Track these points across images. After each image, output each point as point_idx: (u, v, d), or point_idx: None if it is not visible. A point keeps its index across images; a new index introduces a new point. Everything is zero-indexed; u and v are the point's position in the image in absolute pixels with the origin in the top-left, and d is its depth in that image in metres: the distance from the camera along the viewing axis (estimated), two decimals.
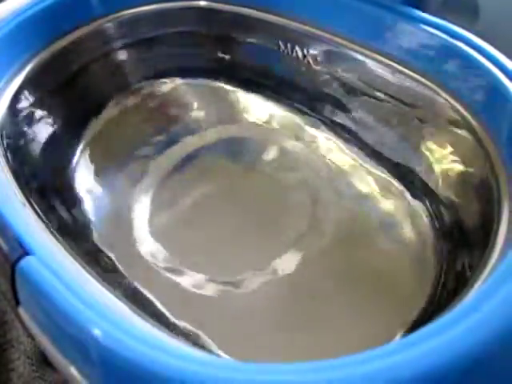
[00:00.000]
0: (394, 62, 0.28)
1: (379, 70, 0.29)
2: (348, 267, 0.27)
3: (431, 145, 0.28)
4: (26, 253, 0.19)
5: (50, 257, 0.20)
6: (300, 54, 0.32)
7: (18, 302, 0.20)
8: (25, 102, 0.29)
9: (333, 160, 0.32)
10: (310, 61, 0.32)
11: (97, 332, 0.16)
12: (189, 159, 0.33)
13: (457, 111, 0.25)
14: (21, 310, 0.20)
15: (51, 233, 0.23)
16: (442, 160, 0.28)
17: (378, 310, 0.25)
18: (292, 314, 0.26)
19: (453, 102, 0.26)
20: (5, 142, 0.27)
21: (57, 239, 0.23)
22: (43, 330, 0.19)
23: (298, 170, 0.32)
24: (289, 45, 0.33)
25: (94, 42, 0.33)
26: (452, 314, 0.16)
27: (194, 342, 0.24)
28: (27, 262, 0.19)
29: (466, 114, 0.25)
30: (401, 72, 0.28)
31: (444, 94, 0.26)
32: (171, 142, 0.34)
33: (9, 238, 0.20)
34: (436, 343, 0.15)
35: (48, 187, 0.28)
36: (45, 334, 0.19)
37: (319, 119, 0.34)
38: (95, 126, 0.33)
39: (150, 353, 0.16)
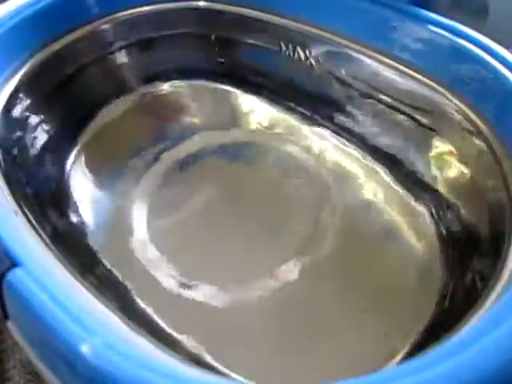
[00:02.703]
0: (401, 64, 0.27)
1: (385, 72, 0.28)
2: (351, 276, 0.27)
3: (439, 151, 0.27)
4: (14, 264, 0.18)
5: (39, 269, 0.19)
6: (302, 55, 0.32)
7: (6, 316, 0.19)
8: (19, 106, 0.28)
9: (336, 164, 0.31)
10: (313, 62, 0.32)
11: (85, 350, 0.16)
12: (188, 163, 0.32)
13: (467, 116, 0.25)
14: (9, 324, 0.19)
15: (44, 242, 0.22)
16: (450, 167, 0.27)
17: (380, 324, 0.24)
18: (293, 326, 0.25)
19: (462, 106, 0.25)
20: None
21: (49, 249, 0.22)
22: (31, 345, 0.18)
23: (300, 174, 0.31)
24: (290, 46, 0.32)
25: (91, 43, 0.32)
26: (461, 336, 0.15)
27: (195, 358, 0.23)
28: (15, 275, 0.18)
29: (476, 119, 0.24)
30: (408, 75, 0.27)
31: (453, 98, 0.25)
32: (170, 145, 0.33)
33: None
34: (442, 370, 0.14)
35: (42, 193, 0.28)
36: (33, 349, 0.18)
37: (322, 122, 0.33)
38: (92, 129, 0.32)
39: (142, 374, 0.15)
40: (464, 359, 0.14)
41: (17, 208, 0.23)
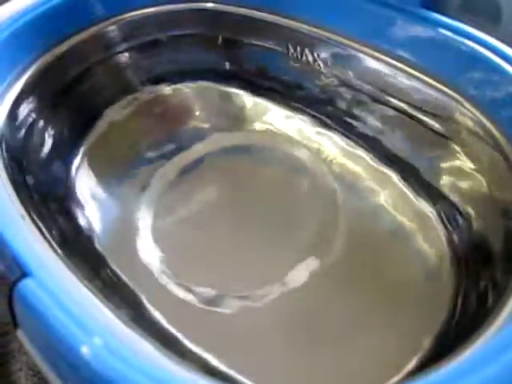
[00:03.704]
0: (411, 67, 0.27)
1: (394, 75, 0.28)
2: (360, 281, 0.26)
3: (451, 156, 0.27)
4: (25, 274, 0.18)
5: (49, 278, 0.19)
6: (310, 57, 0.31)
7: (16, 325, 0.19)
8: (25, 109, 0.28)
9: (344, 167, 0.31)
10: (321, 65, 0.31)
11: (97, 362, 0.16)
12: (195, 165, 0.32)
13: (479, 122, 0.24)
14: (19, 333, 0.19)
15: (51, 247, 0.22)
16: (462, 173, 0.26)
17: (389, 331, 0.24)
18: (302, 331, 0.25)
19: (475, 111, 0.24)
20: (4, 151, 0.26)
21: (57, 254, 0.22)
22: (42, 354, 0.18)
23: (308, 177, 0.31)
24: (298, 48, 0.32)
25: (96, 45, 0.32)
26: (468, 357, 0.14)
27: (202, 363, 0.23)
28: (25, 286, 0.18)
29: (490, 125, 0.24)
30: (418, 78, 0.27)
31: (465, 103, 0.25)
32: (176, 147, 0.33)
33: (7, 257, 0.19)
34: None
35: (49, 197, 0.27)
36: (44, 359, 0.18)
37: (329, 125, 0.33)
38: (97, 132, 0.32)
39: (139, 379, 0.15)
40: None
41: (24, 212, 0.23)
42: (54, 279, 0.19)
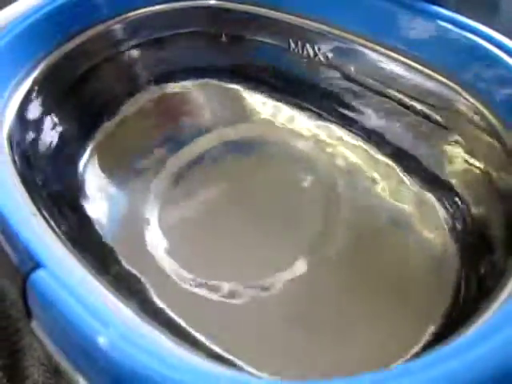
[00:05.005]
0: (411, 60, 0.27)
1: (394, 68, 0.28)
2: (365, 270, 0.27)
3: (451, 146, 0.27)
4: (38, 265, 0.19)
5: (61, 269, 0.19)
6: (311, 52, 0.32)
7: (29, 316, 0.20)
8: (33, 108, 0.29)
9: (346, 159, 0.32)
10: (322, 59, 0.32)
11: (114, 351, 0.16)
12: (200, 160, 0.33)
13: (479, 112, 0.24)
14: (33, 324, 0.20)
15: (62, 242, 0.23)
16: (463, 162, 0.27)
17: (394, 318, 0.24)
18: (307, 321, 0.25)
19: (474, 101, 0.25)
20: (14, 149, 0.26)
21: (68, 248, 0.22)
22: (57, 344, 0.19)
23: (309, 169, 0.32)
24: (299, 43, 0.32)
25: (103, 44, 0.32)
26: (469, 335, 0.15)
27: (210, 352, 0.23)
28: (39, 276, 0.18)
29: (488, 115, 0.24)
30: (418, 71, 0.27)
31: (464, 94, 0.25)
32: (181, 143, 0.33)
33: (19, 250, 0.20)
34: (451, 367, 0.14)
35: (58, 194, 0.28)
36: (59, 349, 0.19)
37: (332, 118, 0.33)
38: (104, 129, 0.32)
39: (156, 365, 0.15)
40: (470, 359, 0.15)
41: (34, 209, 0.23)
42: (65, 270, 0.19)
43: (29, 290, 0.19)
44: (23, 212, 0.22)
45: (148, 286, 0.26)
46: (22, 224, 0.21)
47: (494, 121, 0.24)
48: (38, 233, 0.21)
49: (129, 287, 0.26)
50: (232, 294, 0.26)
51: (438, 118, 0.27)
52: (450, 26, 0.26)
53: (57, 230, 0.24)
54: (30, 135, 0.28)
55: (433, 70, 0.26)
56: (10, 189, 0.23)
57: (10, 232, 0.20)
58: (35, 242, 0.20)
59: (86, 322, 0.17)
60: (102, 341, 0.16)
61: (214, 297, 0.26)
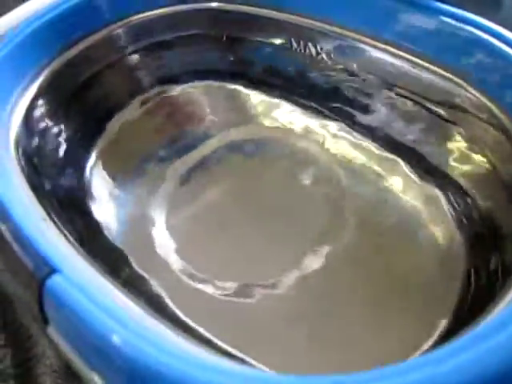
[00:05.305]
0: (414, 56, 0.27)
1: (398, 64, 0.28)
2: (372, 266, 0.27)
3: (457, 141, 0.27)
4: (53, 271, 0.19)
5: (77, 273, 0.19)
6: (314, 50, 0.32)
7: (46, 321, 0.20)
8: (38, 115, 0.29)
9: (351, 157, 0.32)
10: (325, 57, 0.32)
11: (129, 349, 0.16)
12: (205, 162, 0.33)
13: (485, 107, 0.25)
14: (50, 329, 0.20)
15: (74, 247, 0.23)
16: (469, 157, 0.27)
17: (403, 314, 0.25)
18: (315, 318, 0.25)
19: (478, 95, 0.25)
20: (21, 156, 0.26)
21: (80, 253, 0.23)
22: (74, 346, 0.19)
23: (315, 168, 0.32)
24: (301, 42, 0.32)
25: (106, 48, 0.32)
26: (478, 331, 0.15)
27: (220, 350, 0.23)
28: (55, 281, 0.18)
29: (495, 109, 0.24)
30: (422, 66, 0.27)
31: (470, 88, 0.25)
32: (187, 145, 0.33)
33: (34, 256, 0.20)
34: (463, 360, 0.14)
35: (65, 200, 0.28)
36: (75, 350, 0.19)
37: (336, 117, 0.33)
38: (109, 133, 0.32)
39: (183, 368, 0.16)
40: (478, 353, 0.15)
41: (44, 214, 0.23)
42: (81, 274, 0.20)
43: (45, 296, 0.19)
44: (34, 218, 0.22)
45: (159, 286, 0.26)
46: (34, 230, 0.21)
47: (500, 115, 0.24)
48: (51, 238, 0.21)
49: (140, 288, 0.26)
50: (241, 293, 0.26)
51: (445, 113, 0.28)
52: (452, 21, 0.26)
53: (67, 234, 0.24)
54: (37, 141, 0.28)
55: (437, 66, 0.27)
56: (20, 195, 0.23)
57: (23, 238, 0.20)
58: (49, 248, 0.20)
59: (102, 321, 0.17)
60: (117, 339, 0.17)
61: (224, 295, 0.26)
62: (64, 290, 0.18)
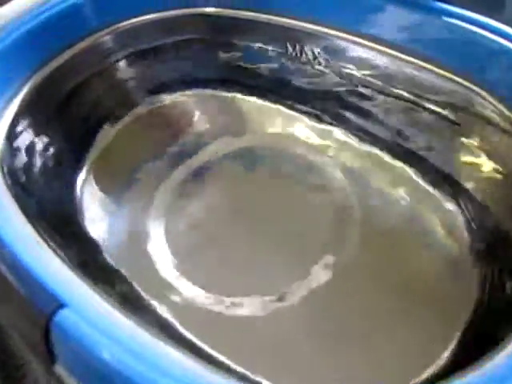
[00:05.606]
0: (418, 58, 0.27)
1: (402, 67, 0.28)
2: (381, 276, 0.26)
3: (467, 147, 0.27)
4: (61, 306, 0.17)
5: (84, 306, 0.18)
6: (310, 54, 0.31)
7: (53, 360, 0.18)
8: (22, 131, 0.27)
9: (354, 163, 0.31)
10: (322, 61, 0.31)
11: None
12: (201, 172, 0.32)
13: (496, 111, 0.24)
14: (57, 368, 0.18)
15: (74, 272, 0.21)
16: (480, 163, 0.27)
17: (415, 328, 0.24)
18: (331, 328, 0.25)
19: (494, 102, 0.24)
20: (7, 175, 0.25)
21: (79, 277, 0.21)
22: (84, 382, 0.18)
23: (317, 176, 0.31)
24: (297, 46, 0.31)
25: (93, 56, 0.30)
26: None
27: (226, 367, 0.23)
28: (63, 316, 0.17)
29: (506, 111, 0.24)
30: (426, 69, 0.27)
31: (485, 95, 0.25)
32: (181, 155, 0.32)
33: (38, 292, 0.18)
34: None
35: (59, 220, 0.26)
36: None
37: (335, 122, 0.32)
38: (99, 146, 0.31)
39: None
40: None
41: (41, 241, 0.22)
42: (88, 307, 0.18)
43: (53, 332, 0.17)
44: (32, 246, 0.21)
45: (167, 312, 0.25)
46: (37, 261, 0.19)
47: None
48: (53, 268, 0.20)
49: (140, 307, 0.25)
50: (248, 309, 0.25)
51: (454, 117, 0.27)
52: (456, 22, 0.25)
53: (65, 258, 0.22)
54: (23, 159, 0.27)
55: (446, 70, 0.26)
56: (14, 223, 0.21)
57: (22, 270, 0.19)
58: (55, 281, 0.19)
59: (119, 358, 0.16)
60: (132, 373, 0.16)
61: (231, 312, 0.25)
62: (74, 325, 0.17)
